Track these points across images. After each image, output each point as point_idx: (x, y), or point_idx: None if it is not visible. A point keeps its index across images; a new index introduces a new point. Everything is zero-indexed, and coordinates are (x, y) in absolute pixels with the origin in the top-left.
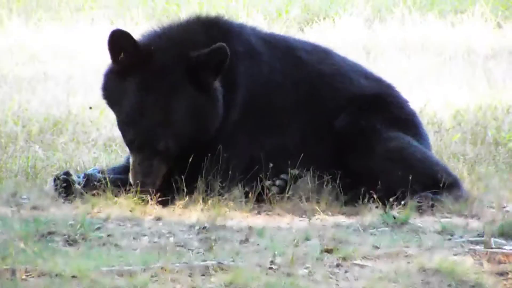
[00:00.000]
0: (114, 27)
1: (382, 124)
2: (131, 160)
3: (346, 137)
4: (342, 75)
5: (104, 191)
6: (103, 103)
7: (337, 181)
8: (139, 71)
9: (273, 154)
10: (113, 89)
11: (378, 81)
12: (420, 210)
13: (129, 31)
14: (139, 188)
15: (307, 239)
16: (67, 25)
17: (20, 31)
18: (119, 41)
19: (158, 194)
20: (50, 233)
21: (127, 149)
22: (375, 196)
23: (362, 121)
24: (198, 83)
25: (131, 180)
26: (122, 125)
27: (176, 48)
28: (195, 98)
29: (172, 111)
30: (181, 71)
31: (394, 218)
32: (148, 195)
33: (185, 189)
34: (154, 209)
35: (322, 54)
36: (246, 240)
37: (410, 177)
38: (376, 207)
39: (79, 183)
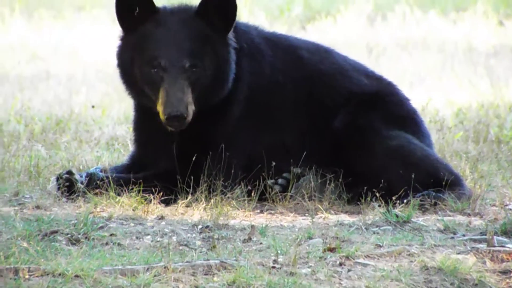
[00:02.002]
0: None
1: (382, 122)
2: (161, 94)
3: (346, 135)
4: (342, 74)
5: (106, 190)
6: (105, 102)
7: (340, 180)
8: (153, 18)
9: (274, 152)
10: (131, 44)
11: (379, 79)
12: (422, 208)
13: None
14: (170, 122)
15: (310, 237)
16: (69, 24)
17: (22, 30)
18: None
19: (161, 193)
20: (52, 232)
21: (131, 145)
22: (377, 194)
23: (361, 120)
24: (211, 26)
25: (162, 112)
26: (146, 63)
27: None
28: (210, 36)
29: (190, 38)
30: (191, 13)
31: (397, 216)
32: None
33: (187, 188)
34: (156, 208)
35: (323, 53)
36: (249, 239)
37: (412, 175)
38: (379, 205)
39: (81, 182)
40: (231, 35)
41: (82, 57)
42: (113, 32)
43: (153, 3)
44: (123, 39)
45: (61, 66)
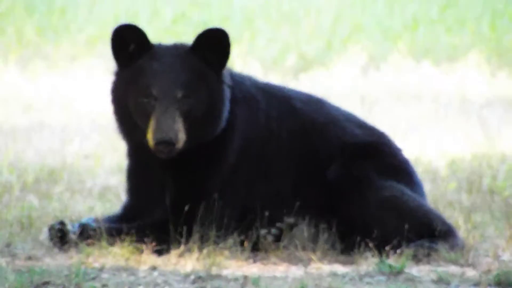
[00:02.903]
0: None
1: (374, 173)
2: (152, 121)
3: (339, 186)
4: (335, 124)
5: (99, 240)
6: (98, 151)
7: (333, 229)
8: (149, 53)
9: (268, 202)
10: (125, 78)
11: (371, 129)
12: (416, 258)
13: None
14: (159, 147)
15: None
16: (63, 74)
17: (16, 80)
18: (127, 34)
19: (153, 243)
20: (44, 283)
21: (124, 195)
22: (371, 244)
23: (354, 170)
24: (206, 62)
25: (152, 138)
26: (140, 93)
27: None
28: (204, 71)
29: (184, 71)
30: (186, 48)
31: (390, 267)
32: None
33: (180, 238)
34: (149, 258)
35: (316, 104)
36: None
37: (405, 226)
38: (372, 255)
39: (74, 233)
40: (225, 72)
41: (76, 107)
42: (107, 82)
43: (148, 39)
44: (117, 74)
45: (55, 116)
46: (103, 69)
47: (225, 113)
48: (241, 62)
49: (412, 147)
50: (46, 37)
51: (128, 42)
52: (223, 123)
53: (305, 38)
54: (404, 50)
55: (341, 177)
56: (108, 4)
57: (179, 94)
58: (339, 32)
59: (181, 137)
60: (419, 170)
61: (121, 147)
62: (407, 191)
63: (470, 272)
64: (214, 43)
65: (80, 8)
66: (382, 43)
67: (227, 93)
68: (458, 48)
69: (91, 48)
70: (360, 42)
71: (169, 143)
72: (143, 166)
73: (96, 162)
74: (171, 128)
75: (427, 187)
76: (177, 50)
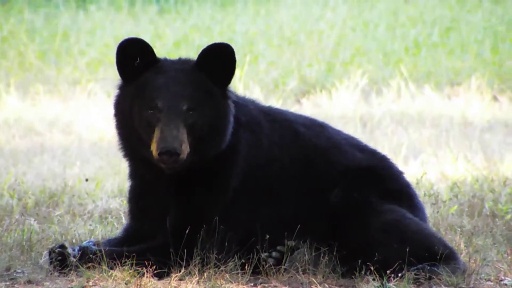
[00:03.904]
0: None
1: (376, 196)
2: (156, 132)
3: (340, 210)
4: (337, 148)
5: (99, 263)
6: (99, 175)
7: (334, 253)
8: (154, 67)
9: (269, 225)
10: (129, 92)
11: (372, 153)
12: (417, 282)
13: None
14: (163, 157)
15: None
16: (64, 98)
17: (17, 105)
18: (133, 48)
19: (154, 266)
20: None
21: (125, 218)
22: (372, 268)
23: (356, 194)
24: (210, 77)
25: (156, 148)
26: (144, 106)
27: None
28: (209, 87)
29: (189, 85)
30: (192, 63)
31: None
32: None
33: (181, 261)
34: (149, 281)
35: (318, 128)
36: None
37: (407, 249)
38: (373, 279)
39: (74, 256)
40: (230, 88)
41: (77, 131)
42: (109, 106)
43: (154, 53)
44: (121, 88)
45: (56, 140)
46: (104, 93)
47: (230, 129)
48: (243, 85)
49: (414, 170)
50: (48, 61)
51: (134, 56)
52: (227, 139)
53: (306, 62)
54: (405, 74)
55: (343, 201)
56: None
57: (184, 107)
58: (340, 56)
59: (185, 148)
60: (421, 194)
61: (122, 170)
62: (409, 214)
63: None
64: (219, 58)
65: (82, 32)
66: (383, 67)
67: (232, 108)
68: (460, 72)
69: (92, 72)
70: (362, 66)
71: (173, 153)
72: (145, 187)
73: (96, 185)
74: (175, 139)
75: (428, 210)
76: (182, 64)
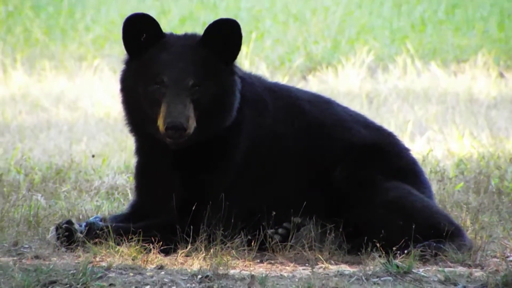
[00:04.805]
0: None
1: (381, 174)
2: (162, 107)
3: (346, 187)
4: (342, 125)
5: (106, 239)
6: (105, 151)
7: (340, 230)
8: (160, 42)
9: (275, 202)
10: (136, 67)
11: (378, 130)
12: (423, 259)
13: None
14: (169, 132)
15: None
16: (70, 74)
17: (23, 80)
18: (139, 23)
19: (160, 243)
20: (51, 282)
21: (132, 194)
22: (378, 245)
23: (361, 171)
24: (216, 53)
25: (162, 123)
26: (150, 81)
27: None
28: (215, 62)
29: (194, 61)
30: (198, 39)
31: (397, 267)
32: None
33: (187, 237)
34: (156, 257)
35: (324, 105)
36: None
37: (412, 226)
38: (379, 256)
39: (81, 232)
40: (236, 64)
41: (83, 107)
42: (114, 82)
43: (160, 29)
44: (128, 63)
45: (62, 116)
46: (110, 69)
47: (236, 105)
48: (249, 62)
49: (420, 147)
50: (54, 37)
51: (140, 32)
52: (233, 114)
53: (312, 39)
54: (411, 51)
55: (348, 178)
56: (115, 5)
57: (190, 82)
58: (346, 33)
59: (191, 123)
60: (427, 171)
61: (128, 146)
62: (414, 191)
63: (478, 273)
64: (224, 34)
65: (87, 9)
66: (389, 43)
67: (238, 84)
68: (466, 49)
69: (98, 48)
70: (368, 43)
71: (180, 127)
72: (151, 164)
73: (103, 161)
74: (181, 113)
75: (434, 187)
76: (188, 40)
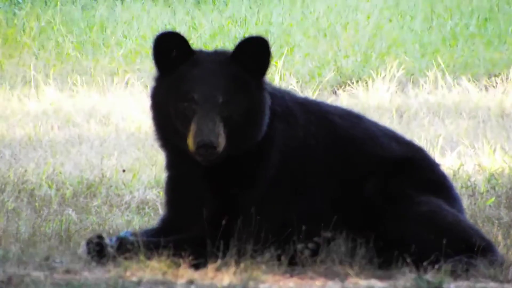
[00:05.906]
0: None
1: (412, 188)
2: (192, 125)
3: (377, 201)
4: (373, 140)
5: (137, 254)
6: (136, 166)
7: (371, 244)
8: (190, 60)
9: (305, 216)
10: (166, 84)
11: (409, 145)
12: (454, 274)
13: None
14: (199, 150)
15: None
16: (102, 89)
17: (56, 96)
18: (169, 41)
19: (191, 257)
20: None
21: (162, 208)
22: (408, 259)
23: (392, 185)
24: (246, 70)
25: (192, 141)
26: (180, 98)
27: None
28: (244, 79)
29: (224, 78)
30: (227, 55)
31: (428, 282)
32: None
33: (217, 252)
34: (186, 272)
35: (354, 119)
36: None
37: (443, 241)
38: (410, 271)
39: (111, 247)
40: (265, 80)
41: (114, 122)
42: (145, 97)
43: (190, 46)
44: (158, 80)
45: (93, 131)
46: (141, 83)
47: (266, 120)
48: (279, 77)
49: (451, 162)
50: (85, 52)
51: (170, 49)
52: (263, 130)
53: (342, 53)
54: (442, 65)
55: (379, 192)
56: (146, 20)
57: (220, 99)
58: (377, 47)
59: (222, 141)
60: (458, 186)
61: (158, 161)
62: (445, 206)
63: None
64: (254, 51)
65: (119, 24)
66: (420, 58)
67: (268, 100)
68: (498, 63)
69: (129, 63)
70: (398, 57)
71: (210, 146)
72: (182, 178)
73: (134, 176)
74: (212, 132)
75: (465, 202)
76: (218, 56)
